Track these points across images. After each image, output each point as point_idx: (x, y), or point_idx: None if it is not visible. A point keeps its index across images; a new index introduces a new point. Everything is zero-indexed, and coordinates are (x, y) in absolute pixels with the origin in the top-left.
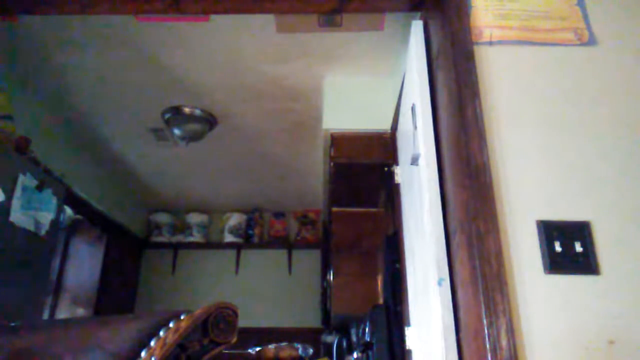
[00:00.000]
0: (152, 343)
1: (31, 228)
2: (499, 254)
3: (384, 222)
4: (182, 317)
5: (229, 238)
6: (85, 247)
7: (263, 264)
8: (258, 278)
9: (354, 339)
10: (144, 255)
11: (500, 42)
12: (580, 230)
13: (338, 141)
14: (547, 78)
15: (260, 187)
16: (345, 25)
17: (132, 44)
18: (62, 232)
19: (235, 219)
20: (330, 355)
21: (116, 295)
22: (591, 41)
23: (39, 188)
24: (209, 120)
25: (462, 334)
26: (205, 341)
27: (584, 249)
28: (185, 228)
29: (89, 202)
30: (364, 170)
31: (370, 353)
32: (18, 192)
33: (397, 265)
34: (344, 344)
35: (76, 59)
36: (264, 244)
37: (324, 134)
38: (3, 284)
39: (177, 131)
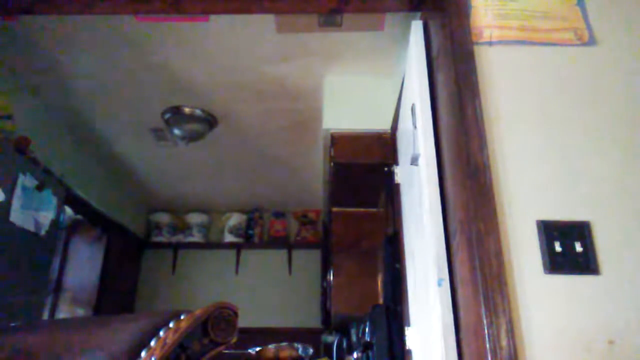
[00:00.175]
0: (152, 343)
1: (31, 228)
2: (499, 254)
3: (384, 222)
4: (182, 317)
5: (229, 238)
6: (85, 247)
7: (263, 264)
8: (258, 278)
9: (354, 339)
10: (144, 255)
11: (500, 42)
12: (580, 230)
13: (338, 141)
14: (547, 78)
15: (260, 187)
16: (345, 25)
17: (132, 44)
18: (62, 232)
19: (235, 219)
20: (330, 355)
21: (116, 295)
22: (591, 41)
23: (39, 188)
24: (209, 120)
25: (462, 334)
26: (205, 341)
27: (584, 249)
28: (185, 228)
29: (89, 202)
30: (364, 170)
31: (370, 353)
32: (18, 192)
33: (397, 265)
34: (344, 344)
35: (76, 59)
36: (264, 244)
37: (324, 134)
38: (3, 284)
39: (177, 131)
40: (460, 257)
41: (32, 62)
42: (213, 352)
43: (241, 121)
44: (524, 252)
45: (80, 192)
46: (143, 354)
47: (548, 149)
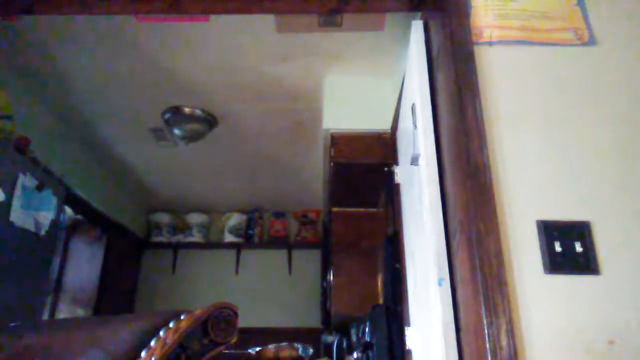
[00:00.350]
0: (152, 343)
1: (31, 228)
2: (499, 254)
3: (384, 222)
4: (182, 317)
5: (229, 238)
6: (85, 247)
7: (263, 264)
8: (258, 278)
9: (354, 339)
10: (144, 255)
11: (500, 42)
12: (580, 230)
13: (338, 141)
14: (547, 78)
15: (260, 187)
16: (345, 25)
17: (132, 44)
18: (62, 232)
19: (235, 219)
20: (330, 355)
21: (116, 295)
22: (591, 41)
23: (39, 188)
24: (209, 120)
25: (462, 334)
26: (205, 341)
27: (584, 249)
28: (185, 228)
29: (89, 202)
30: (364, 170)
31: (370, 353)
32: (18, 192)
33: (397, 265)
34: (344, 344)
35: (76, 59)
36: (264, 244)
37: (324, 134)
38: (3, 284)
39: (177, 131)
40: (460, 256)
41: (32, 61)
42: (213, 352)
43: (241, 121)
44: (524, 252)
45: (80, 192)
46: (143, 354)
47: (548, 149)
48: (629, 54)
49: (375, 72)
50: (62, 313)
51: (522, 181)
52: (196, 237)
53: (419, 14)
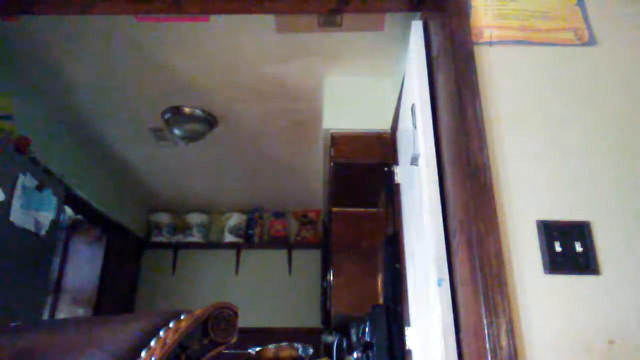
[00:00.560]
0: (152, 343)
1: (31, 228)
2: (499, 254)
3: (384, 222)
4: (182, 317)
5: (229, 238)
6: (85, 247)
7: (263, 264)
8: (258, 278)
9: (354, 339)
10: (144, 255)
11: (500, 42)
12: (580, 230)
13: (338, 141)
14: (547, 78)
15: (260, 187)
16: (345, 25)
17: (132, 44)
18: (62, 232)
19: (235, 219)
20: (330, 355)
21: (116, 295)
22: (591, 41)
23: (39, 188)
24: (209, 120)
25: (462, 334)
26: (205, 341)
27: (584, 249)
28: (185, 228)
29: (89, 202)
30: (364, 170)
31: (370, 353)
32: (18, 192)
33: (397, 265)
34: (344, 344)
35: (76, 59)
36: (264, 244)
37: (324, 134)
38: (3, 284)
39: (177, 131)
40: (460, 257)
41: (32, 62)
42: (213, 352)
43: (241, 121)
44: (524, 252)
45: (80, 192)
46: (143, 354)
47: (548, 149)
48: (629, 54)
49: (375, 72)
50: (62, 313)
51: (522, 181)
52: (196, 237)
53: (419, 14)
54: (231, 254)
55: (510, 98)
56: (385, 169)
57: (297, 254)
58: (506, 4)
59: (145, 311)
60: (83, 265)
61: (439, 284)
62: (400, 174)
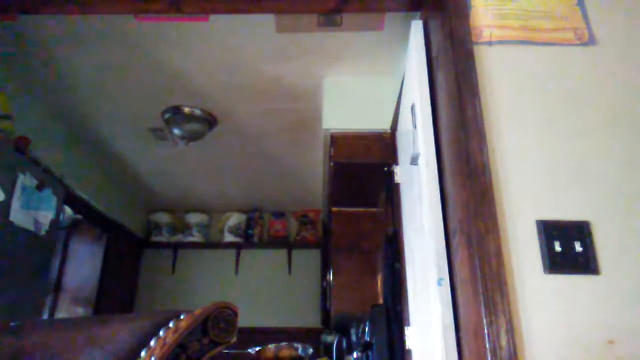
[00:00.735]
0: (152, 343)
1: (31, 228)
2: (499, 254)
3: (384, 222)
4: (182, 317)
5: (229, 238)
6: (85, 247)
7: (263, 264)
8: (258, 278)
9: (354, 339)
10: (144, 255)
11: (500, 42)
12: (580, 230)
13: (338, 141)
14: (547, 78)
15: (260, 187)
16: (345, 25)
17: (132, 44)
18: (62, 232)
19: (235, 219)
20: (330, 355)
21: (116, 295)
22: (591, 41)
23: (39, 188)
24: (209, 120)
25: (462, 334)
26: (205, 341)
27: (584, 249)
28: (185, 228)
29: (89, 202)
30: (364, 170)
31: (370, 353)
32: (18, 192)
33: (397, 265)
34: (344, 344)
35: (76, 59)
36: (264, 244)
37: (324, 134)
38: (3, 284)
39: (177, 131)
40: (460, 257)
41: (32, 62)
42: (213, 352)
43: (241, 121)
44: (524, 252)
45: (80, 192)
46: (143, 354)
47: (548, 149)
48: (629, 54)
49: (375, 72)
50: (62, 313)
51: (522, 181)
52: (196, 237)
53: (419, 14)
54: (231, 254)
55: (510, 98)
56: (385, 169)
57: (297, 254)
58: (506, 4)
59: (145, 311)
60: (83, 265)
61: (439, 284)
62: (400, 173)
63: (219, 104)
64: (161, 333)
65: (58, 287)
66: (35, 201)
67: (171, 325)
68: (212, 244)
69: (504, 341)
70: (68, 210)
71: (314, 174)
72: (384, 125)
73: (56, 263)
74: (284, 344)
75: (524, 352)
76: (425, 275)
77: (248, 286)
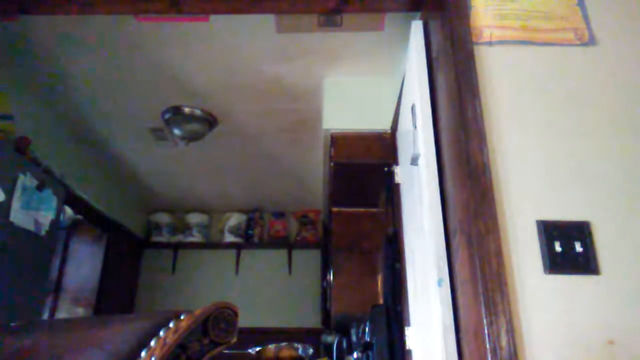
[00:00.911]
0: (152, 343)
1: (31, 228)
2: (499, 254)
3: (384, 222)
4: (182, 317)
5: (229, 238)
6: (85, 247)
7: (263, 264)
8: (258, 278)
9: (354, 339)
10: (144, 255)
11: (500, 42)
12: (580, 230)
13: (338, 141)
14: (547, 78)
15: (260, 187)
16: (345, 25)
17: (132, 44)
18: (62, 232)
19: (235, 219)
20: (330, 355)
21: (116, 295)
22: (591, 41)
23: (39, 188)
24: (209, 120)
25: (462, 334)
26: (205, 341)
27: (584, 249)
28: (185, 228)
29: (89, 202)
30: (364, 170)
31: (370, 353)
32: (18, 192)
33: (397, 265)
34: (344, 344)
35: (76, 59)
36: (264, 244)
37: (324, 134)
38: (3, 284)
39: (177, 131)
40: (460, 257)
41: (32, 62)
42: (213, 352)
43: (241, 121)
44: (524, 252)
45: (80, 192)
46: (143, 354)
47: (548, 148)
48: (629, 54)
49: (375, 72)
50: (62, 313)
51: (522, 181)
52: (196, 237)
53: (419, 14)
54: (231, 254)
55: (510, 98)
56: (385, 169)
57: (297, 254)
58: (506, 4)
59: (145, 311)
60: (83, 265)
61: (439, 284)
62: (400, 173)
63: (218, 104)
64: (161, 333)
65: (58, 287)
66: (35, 201)
67: (171, 325)
68: (212, 244)
69: (504, 341)
70: (68, 210)
71: (314, 174)
72: (384, 125)
73: (56, 263)
74: (284, 344)
75: (524, 352)
76: (425, 276)
77: (248, 286)
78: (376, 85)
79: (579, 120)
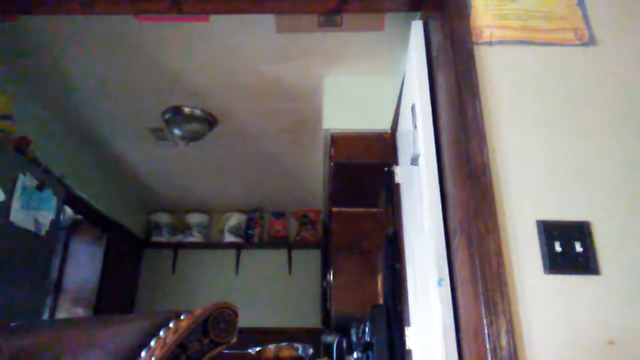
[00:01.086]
0: (152, 343)
1: (31, 228)
2: (499, 254)
3: (384, 222)
4: (182, 317)
5: (229, 238)
6: (85, 247)
7: (263, 264)
8: (258, 278)
9: (354, 339)
10: (144, 255)
11: (500, 42)
12: (580, 230)
13: (338, 141)
14: (547, 78)
15: (260, 187)
16: (345, 25)
17: (132, 44)
18: (62, 232)
19: (235, 219)
20: (330, 355)
21: (116, 295)
22: (591, 41)
23: (39, 188)
24: (209, 120)
25: (462, 334)
26: (205, 341)
27: (584, 249)
28: (185, 228)
29: (89, 202)
30: (364, 170)
31: (370, 353)
32: (18, 192)
33: (397, 265)
34: (344, 344)
35: (76, 58)
36: (264, 244)
37: (324, 134)
38: (3, 284)
39: (177, 131)
40: (460, 257)
41: (32, 62)
42: (213, 352)
43: (241, 121)
44: (524, 252)
45: (80, 192)
46: (143, 354)
47: (548, 148)
48: (629, 54)
49: (375, 72)
50: (62, 313)
51: (522, 181)
52: (196, 237)
53: (419, 14)
54: (231, 254)
55: (510, 98)
56: (385, 169)
57: (297, 254)
58: (506, 4)
59: (145, 311)
60: (83, 265)
61: (439, 284)
62: (400, 173)
63: (219, 104)
64: (161, 333)
65: (58, 287)
66: (35, 201)
67: (171, 325)
68: (212, 244)
69: (504, 341)
70: (68, 210)
71: (314, 174)
72: (384, 125)
73: (56, 263)
74: (284, 344)
75: (524, 352)
76: (425, 275)
77: (248, 286)
78: (376, 85)
79: (579, 120)
